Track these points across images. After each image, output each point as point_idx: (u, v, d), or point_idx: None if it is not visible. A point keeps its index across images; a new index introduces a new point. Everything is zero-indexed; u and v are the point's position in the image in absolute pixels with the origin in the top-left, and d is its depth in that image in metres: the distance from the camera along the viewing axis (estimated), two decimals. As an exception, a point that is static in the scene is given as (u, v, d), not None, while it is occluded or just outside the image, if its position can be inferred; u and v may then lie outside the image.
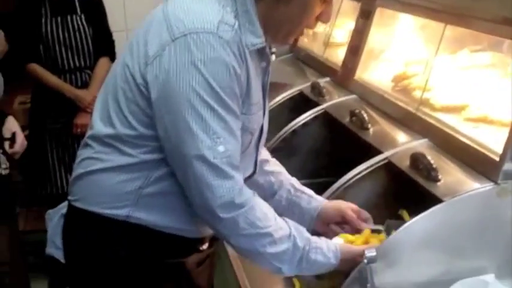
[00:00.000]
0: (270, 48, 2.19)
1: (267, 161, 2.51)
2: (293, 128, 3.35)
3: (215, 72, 1.92)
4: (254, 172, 2.30)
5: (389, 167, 2.57)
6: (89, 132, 2.18)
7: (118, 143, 2.08)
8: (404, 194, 2.47)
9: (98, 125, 2.13)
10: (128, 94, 2.04)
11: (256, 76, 2.10)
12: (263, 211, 2.05)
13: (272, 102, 3.75)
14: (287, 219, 2.12)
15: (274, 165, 2.53)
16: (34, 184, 5.02)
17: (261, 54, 2.12)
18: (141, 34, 2.05)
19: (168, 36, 1.96)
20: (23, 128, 5.38)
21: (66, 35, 4.77)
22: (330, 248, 2.13)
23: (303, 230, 2.13)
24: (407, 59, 3.20)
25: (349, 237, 2.30)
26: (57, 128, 4.89)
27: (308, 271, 2.13)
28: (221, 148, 1.95)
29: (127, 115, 2.05)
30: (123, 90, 2.05)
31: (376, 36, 3.37)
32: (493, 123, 2.49)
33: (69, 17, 4.79)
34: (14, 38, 4.58)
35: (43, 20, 4.75)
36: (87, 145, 2.17)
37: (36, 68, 4.79)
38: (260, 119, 2.18)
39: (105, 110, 2.12)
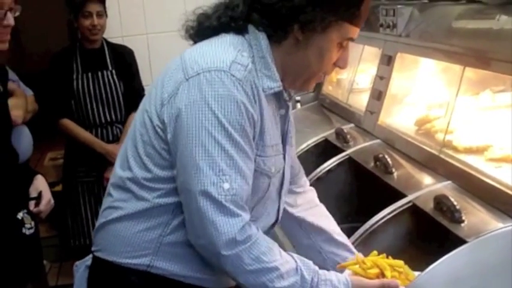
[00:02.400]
0: (290, 97, 2.22)
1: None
2: (318, 175, 3.35)
3: (225, 108, 1.94)
4: (277, 220, 2.29)
5: (413, 209, 2.56)
6: (110, 181, 2.21)
7: (135, 187, 2.10)
8: (429, 236, 2.47)
9: (117, 171, 2.16)
10: (144, 137, 2.07)
11: (272, 119, 2.12)
12: (268, 246, 2.02)
13: (298, 150, 3.76)
14: (292, 253, 2.10)
15: (322, 217, 2.53)
16: (68, 237, 5.06)
17: (278, 99, 2.14)
18: (159, 79, 2.10)
19: (182, 77, 2.00)
20: (54, 184, 5.46)
21: (97, 90, 4.84)
22: (340, 280, 2.09)
23: (310, 262, 2.10)
24: (429, 102, 3.23)
25: (358, 269, 2.25)
26: (90, 181, 4.93)
27: None
28: (226, 185, 1.94)
29: (143, 158, 2.08)
30: (141, 134, 2.09)
31: (397, 81, 3.39)
32: (515, 163, 2.48)
33: (100, 73, 4.86)
34: (46, 94, 4.66)
35: (74, 76, 4.82)
36: (108, 194, 2.20)
37: (68, 123, 4.85)
38: (279, 164, 2.18)
39: (124, 156, 2.15)
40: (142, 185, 2.08)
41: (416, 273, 2.15)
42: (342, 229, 2.64)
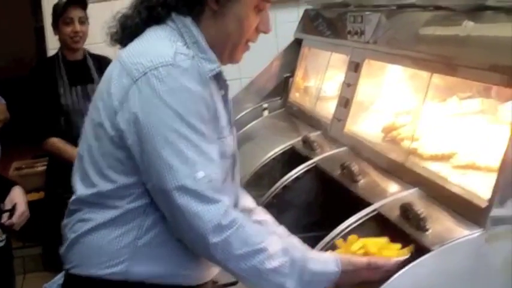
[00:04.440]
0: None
1: (252, 209, 2.47)
2: (285, 183, 3.32)
3: (181, 100, 1.95)
4: (235, 205, 2.27)
5: (379, 218, 2.54)
6: (72, 198, 2.17)
7: (103, 200, 2.07)
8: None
9: (80, 189, 2.13)
10: (102, 150, 2.06)
11: (219, 101, 2.13)
12: (255, 227, 2.05)
13: (264, 158, 3.75)
14: (276, 229, 2.15)
15: (261, 214, 2.48)
16: (53, 251, 4.97)
17: (218, 80, 2.14)
18: (103, 89, 2.09)
19: (129, 80, 1.99)
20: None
21: (88, 104, 4.74)
22: (328, 258, 2.12)
23: (296, 241, 2.14)
24: (396, 109, 3.21)
25: (344, 251, 2.27)
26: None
27: (312, 285, 2.07)
28: (200, 174, 1.95)
29: (106, 171, 2.06)
30: (98, 148, 2.07)
31: (365, 88, 3.37)
32: (480, 170, 2.47)
33: (89, 86, 4.72)
34: (31, 111, 4.52)
35: (61, 91, 4.67)
36: (74, 210, 2.16)
37: (56, 141, 4.68)
38: (232, 144, 2.20)
39: (83, 173, 2.12)
40: (110, 196, 2.06)
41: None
42: (307, 238, 2.60)
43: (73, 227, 2.15)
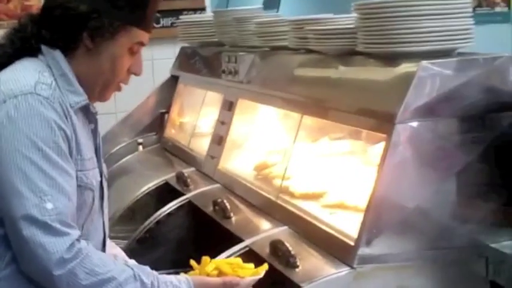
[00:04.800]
0: (96, 112, 2.21)
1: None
2: (158, 218, 3.35)
3: (37, 128, 1.93)
4: (104, 237, 2.25)
5: (250, 254, 2.57)
6: None
7: None
8: (264, 281, 2.47)
9: None
10: None
11: (84, 134, 2.11)
12: (100, 257, 1.99)
13: (138, 193, 3.78)
14: (127, 261, 2.11)
15: (112, 249, 2.44)
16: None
17: (86, 114, 2.14)
18: None
19: None
20: None
21: None
22: (180, 280, 2.08)
23: (146, 267, 2.08)
24: (268, 148, 3.28)
25: (198, 273, 2.22)
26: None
27: None
28: (49, 205, 1.90)
29: None
30: None
31: (238, 126, 3.43)
32: (349, 209, 2.54)
33: None
34: None
35: None
36: None
37: None
38: (97, 176, 2.17)
39: None
40: None
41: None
42: (180, 273, 2.62)
43: None
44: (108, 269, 1.97)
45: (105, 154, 4.39)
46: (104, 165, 2.28)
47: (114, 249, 2.45)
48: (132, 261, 2.31)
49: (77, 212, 2.04)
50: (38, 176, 1.91)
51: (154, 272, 2.07)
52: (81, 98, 2.08)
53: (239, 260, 2.25)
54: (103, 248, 2.25)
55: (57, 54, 2.10)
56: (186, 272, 2.19)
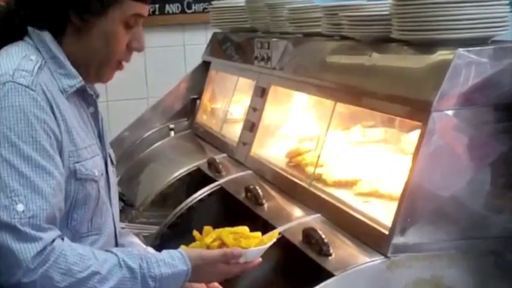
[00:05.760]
0: (97, 94, 2.12)
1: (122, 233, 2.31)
2: (189, 204, 3.33)
3: (11, 121, 1.80)
4: (115, 229, 2.14)
5: (282, 241, 2.56)
6: None
7: None
8: (297, 268, 2.48)
9: None
10: None
11: (79, 120, 2.00)
12: (78, 253, 1.83)
13: (169, 178, 3.76)
14: (113, 249, 1.95)
15: (128, 237, 2.35)
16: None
17: (84, 97, 2.04)
18: None
19: None
20: None
21: None
22: (173, 256, 1.92)
23: (133, 250, 1.95)
24: (301, 135, 3.26)
25: (199, 244, 2.06)
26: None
27: None
28: (20, 207, 1.75)
29: None
30: None
31: (271, 112, 3.42)
32: (383, 197, 2.53)
33: None
34: None
35: None
36: None
37: None
38: (99, 165, 2.04)
39: None
40: None
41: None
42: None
43: None
44: (88, 264, 1.83)
45: (137, 139, 4.43)
46: (110, 150, 2.17)
47: (130, 237, 2.35)
48: (150, 249, 2.20)
49: (82, 206, 1.95)
50: (9, 174, 1.77)
51: (143, 253, 1.93)
52: (75, 81, 1.97)
53: (245, 229, 2.11)
54: (115, 241, 2.14)
55: (46, 35, 1.97)
56: (187, 245, 2.05)
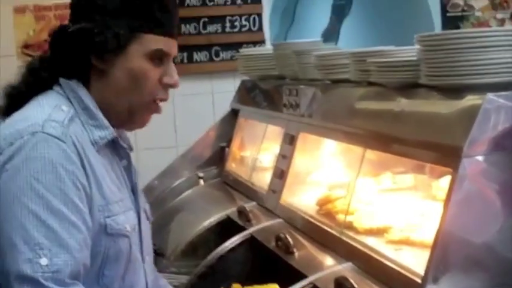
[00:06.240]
0: (130, 147, 2.10)
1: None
2: (220, 254, 3.30)
3: (40, 173, 1.77)
4: (147, 287, 2.11)
5: (315, 291, 2.55)
6: None
7: None
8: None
9: None
10: None
11: (111, 173, 1.97)
12: None
13: (199, 227, 3.75)
14: None
15: (160, 280, 2.33)
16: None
17: (116, 150, 2.02)
18: None
19: None
20: None
21: None
22: None
23: None
24: (331, 182, 3.24)
25: None
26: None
27: None
28: (44, 261, 1.72)
29: None
30: None
31: (300, 160, 3.41)
32: (415, 245, 2.49)
33: None
34: None
35: None
36: None
37: None
38: (132, 220, 2.02)
39: None
40: None
41: None
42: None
43: None
44: None
45: (166, 188, 4.43)
46: (146, 205, 2.15)
47: (161, 281, 2.34)
48: None
49: (113, 262, 1.92)
50: (35, 226, 1.75)
51: None
52: (107, 132, 1.95)
53: (274, 286, 2.05)
54: None
55: (74, 84, 1.97)
56: None
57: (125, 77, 1.96)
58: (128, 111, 2.00)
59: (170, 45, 1.99)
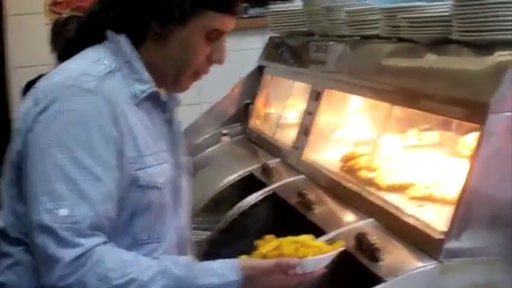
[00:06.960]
0: (176, 101, 2.11)
1: None
2: (242, 209, 3.30)
3: (68, 124, 1.80)
4: (180, 240, 2.08)
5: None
6: None
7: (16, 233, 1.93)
8: (348, 274, 2.42)
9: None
10: (10, 176, 1.93)
11: (149, 126, 1.97)
12: (119, 260, 1.81)
13: (222, 184, 3.74)
14: (163, 256, 1.91)
15: None
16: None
17: (157, 103, 2.01)
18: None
19: (31, 103, 1.88)
20: None
21: None
22: (224, 265, 1.88)
23: (182, 258, 1.92)
24: (355, 139, 3.21)
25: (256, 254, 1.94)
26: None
27: None
28: (63, 212, 1.75)
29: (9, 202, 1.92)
30: (7, 176, 1.94)
31: (325, 117, 3.38)
32: (437, 202, 2.46)
33: None
34: None
35: None
36: None
37: None
38: (166, 172, 1.99)
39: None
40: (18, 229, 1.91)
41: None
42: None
43: None
44: (127, 271, 1.79)
45: (190, 145, 4.40)
46: (183, 158, 2.14)
47: None
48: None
49: (143, 213, 1.92)
50: (58, 178, 1.78)
51: (190, 262, 1.91)
52: (147, 86, 1.95)
53: (308, 238, 1.98)
54: (179, 252, 2.07)
55: (122, 39, 1.97)
56: (242, 251, 1.97)
57: (178, 47, 1.96)
58: (173, 77, 2.01)
59: (229, 23, 1.99)
